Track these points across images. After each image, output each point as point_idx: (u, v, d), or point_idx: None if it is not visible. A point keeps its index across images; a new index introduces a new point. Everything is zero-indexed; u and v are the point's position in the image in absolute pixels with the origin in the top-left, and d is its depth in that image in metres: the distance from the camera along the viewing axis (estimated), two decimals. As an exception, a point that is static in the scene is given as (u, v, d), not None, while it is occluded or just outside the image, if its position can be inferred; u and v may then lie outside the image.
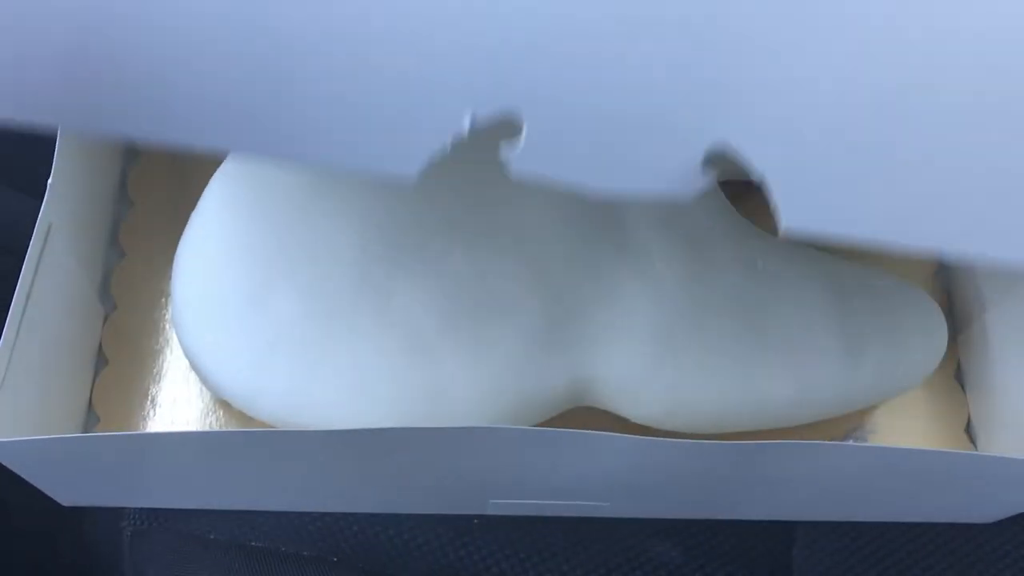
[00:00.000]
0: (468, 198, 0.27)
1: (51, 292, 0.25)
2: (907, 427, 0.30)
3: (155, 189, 0.31)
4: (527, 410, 0.26)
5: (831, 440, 0.29)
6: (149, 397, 0.28)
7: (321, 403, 0.25)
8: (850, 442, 0.29)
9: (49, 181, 0.25)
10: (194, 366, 0.26)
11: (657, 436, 0.22)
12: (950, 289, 0.31)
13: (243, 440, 0.23)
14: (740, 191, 0.32)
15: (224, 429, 0.28)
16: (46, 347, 0.25)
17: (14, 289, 0.24)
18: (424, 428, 0.22)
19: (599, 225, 0.27)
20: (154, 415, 0.28)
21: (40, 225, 0.24)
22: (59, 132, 0.26)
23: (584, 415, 0.27)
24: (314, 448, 0.24)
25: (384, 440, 0.23)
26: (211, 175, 0.28)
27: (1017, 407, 0.28)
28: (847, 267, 0.28)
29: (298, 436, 0.23)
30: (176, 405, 0.28)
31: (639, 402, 0.26)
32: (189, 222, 0.27)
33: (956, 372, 0.30)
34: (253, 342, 0.25)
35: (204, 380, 0.26)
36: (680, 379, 0.26)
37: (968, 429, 0.30)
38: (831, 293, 0.27)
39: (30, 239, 0.24)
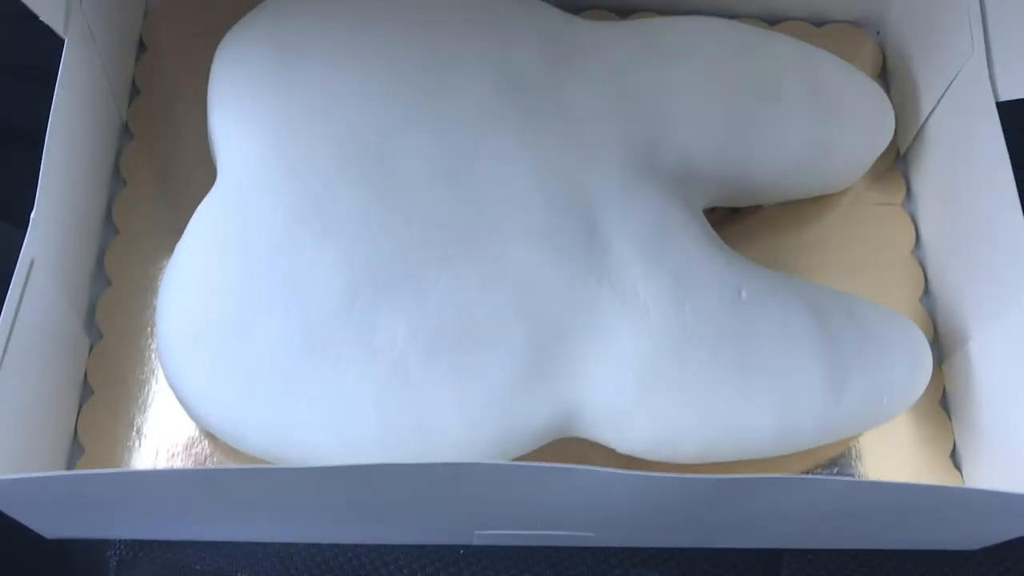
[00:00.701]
0: (453, 227, 0.27)
1: (35, 325, 0.25)
2: (892, 453, 0.30)
3: (141, 215, 0.31)
4: (513, 441, 0.26)
5: (817, 466, 0.29)
6: (135, 427, 0.28)
7: (306, 437, 0.25)
8: (835, 470, 0.29)
9: (32, 216, 0.25)
10: (179, 399, 0.26)
11: (643, 466, 0.22)
12: (935, 316, 0.31)
13: (228, 477, 0.23)
14: (725, 218, 0.32)
15: (209, 465, 0.28)
16: (31, 380, 0.25)
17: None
18: (409, 464, 0.22)
19: (583, 254, 0.27)
20: (139, 446, 0.28)
21: (22, 261, 0.24)
22: (43, 160, 0.26)
23: (570, 445, 0.27)
24: (300, 484, 0.24)
25: (370, 476, 0.23)
26: (197, 200, 0.28)
27: (1002, 435, 0.28)
28: (831, 295, 0.28)
29: (283, 473, 0.23)
30: (162, 436, 0.28)
31: (624, 433, 0.26)
32: (173, 254, 0.27)
33: (942, 399, 0.30)
34: (237, 376, 0.25)
35: (189, 413, 0.26)
36: (664, 410, 0.26)
37: (953, 456, 0.30)
38: (815, 323, 0.27)
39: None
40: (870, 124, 0.31)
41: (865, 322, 0.28)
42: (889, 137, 0.31)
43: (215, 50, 0.30)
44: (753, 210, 0.32)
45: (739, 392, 0.26)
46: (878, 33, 0.36)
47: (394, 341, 0.25)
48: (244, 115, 0.28)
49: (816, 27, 0.36)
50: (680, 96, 0.29)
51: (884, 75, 0.35)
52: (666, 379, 0.26)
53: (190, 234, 0.27)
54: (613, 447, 0.27)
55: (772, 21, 0.35)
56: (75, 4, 0.28)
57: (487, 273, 0.26)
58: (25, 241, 0.25)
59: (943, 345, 0.31)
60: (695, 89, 0.29)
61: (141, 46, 0.34)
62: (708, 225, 0.29)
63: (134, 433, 0.28)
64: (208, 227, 0.27)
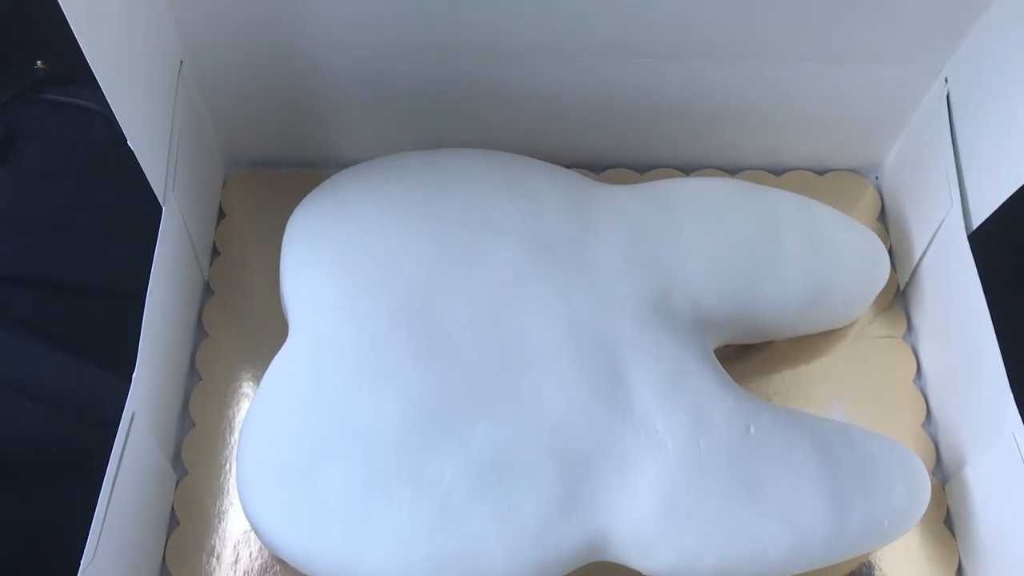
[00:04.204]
0: (492, 373, 0.30)
1: (133, 469, 0.29)
2: (902, 570, 0.32)
3: (221, 363, 0.35)
4: (548, 567, 0.29)
5: (832, 583, 0.32)
6: (215, 554, 0.32)
7: (366, 566, 0.29)
8: (849, 587, 0.32)
9: (134, 374, 0.29)
10: (255, 530, 0.30)
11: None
12: (937, 441, 0.34)
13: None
14: (739, 352, 0.35)
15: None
16: (129, 514, 0.29)
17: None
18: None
19: (608, 396, 0.30)
20: (219, 570, 0.32)
21: (125, 414, 0.29)
22: (144, 322, 0.30)
23: (601, 568, 0.30)
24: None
25: None
26: (270, 350, 0.32)
27: (1003, 553, 0.30)
28: (832, 427, 0.31)
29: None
30: (239, 562, 0.32)
31: (648, 558, 0.29)
32: (252, 402, 0.31)
33: (946, 518, 0.33)
34: (306, 510, 0.29)
35: (264, 542, 0.30)
36: (684, 538, 0.29)
37: (959, 573, 0.32)
38: (818, 453, 0.30)
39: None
40: (865, 268, 0.34)
41: (865, 451, 0.30)
42: (883, 280, 0.35)
43: (283, 216, 0.34)
44: (765, 344, 0.36)
45: (750, 519, 0.29)
46: (877, 178, 0.39)
47: (441, 479, 0.29)
48: (312, 278, 0.32)
49: (819, 175, 0.39)
50: (689, 249, 0.33)
51: (883, 217, 0.39)
52: (684, 508, 0.29)
53: (267, 384, 0.31)
54: (639, 569, 0.30)
55: (779, 172, 0.39)
56: (170, 186, 0.33)
57: (522, 415, 0.30)
58: (128, 396, 0.29)
59: (945, 468, 0.34)
60: (702, 242, 0.33)
61: (220, 213, 0.39)
62: (719, 365, 0.32)
63: (215, 559, 0.32)
64: (283, 379, 0.31)
